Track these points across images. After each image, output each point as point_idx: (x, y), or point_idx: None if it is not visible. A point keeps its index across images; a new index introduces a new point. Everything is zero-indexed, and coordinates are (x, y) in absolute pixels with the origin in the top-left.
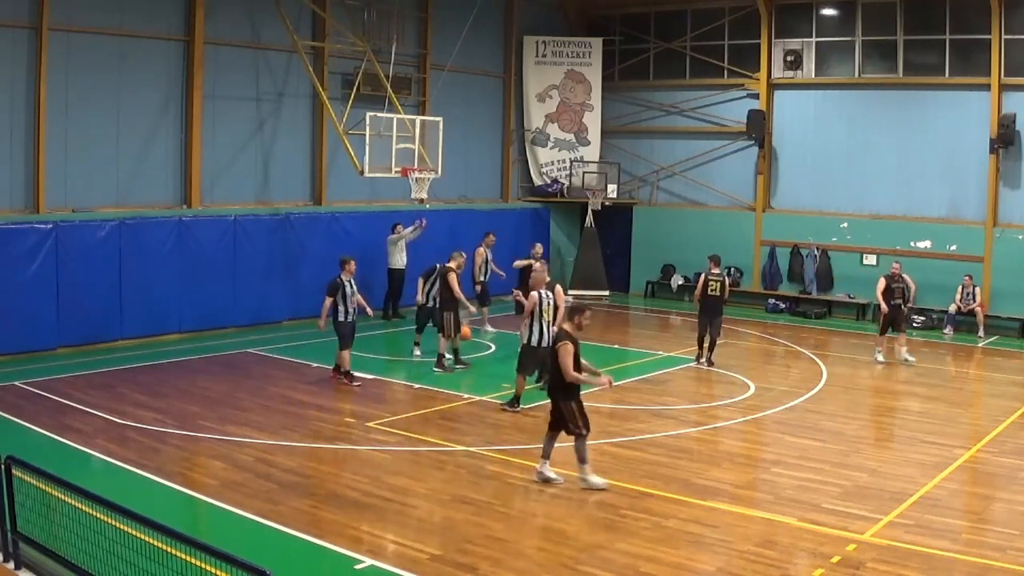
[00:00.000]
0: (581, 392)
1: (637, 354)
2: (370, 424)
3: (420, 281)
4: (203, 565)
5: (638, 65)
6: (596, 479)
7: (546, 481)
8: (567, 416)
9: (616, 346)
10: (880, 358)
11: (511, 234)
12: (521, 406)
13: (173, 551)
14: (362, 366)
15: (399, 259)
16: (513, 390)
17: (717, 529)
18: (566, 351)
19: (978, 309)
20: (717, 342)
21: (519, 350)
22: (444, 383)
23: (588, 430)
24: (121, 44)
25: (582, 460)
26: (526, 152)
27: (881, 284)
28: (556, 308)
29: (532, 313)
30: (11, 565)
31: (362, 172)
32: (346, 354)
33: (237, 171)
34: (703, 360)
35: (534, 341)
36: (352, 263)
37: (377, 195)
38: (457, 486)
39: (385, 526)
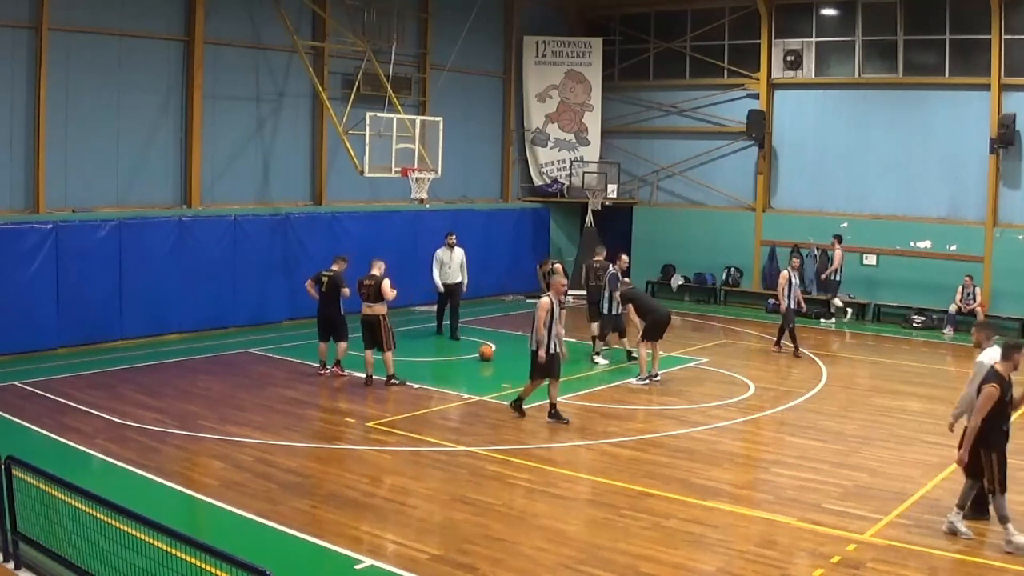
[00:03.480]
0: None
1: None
2: (370, 424)
3: (607, 291)
4: (203, 565)
5: (638, 65)
6: (1021, 539)
7: (953, 533)
8: (984, 466)
9: (616, 346)
10: None
11: (511, 234)
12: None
13: (173, 551)
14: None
15: (457, 272)
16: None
17: (717, 529)
18: (988, 395)
19: (978, 309)
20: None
21: (532, 358)
22: (444, 383)
23: (1004, 489)
24: (121, 44)
25: (1002, 519)
26: (526, 152)
27: None
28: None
29: (543, 321)
30: (11, 565)
31: (362, 172)
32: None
33: (237, 171)
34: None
35: (547, 349)
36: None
37: (377, 195)
38: (457, 486)
39: (385, 526)
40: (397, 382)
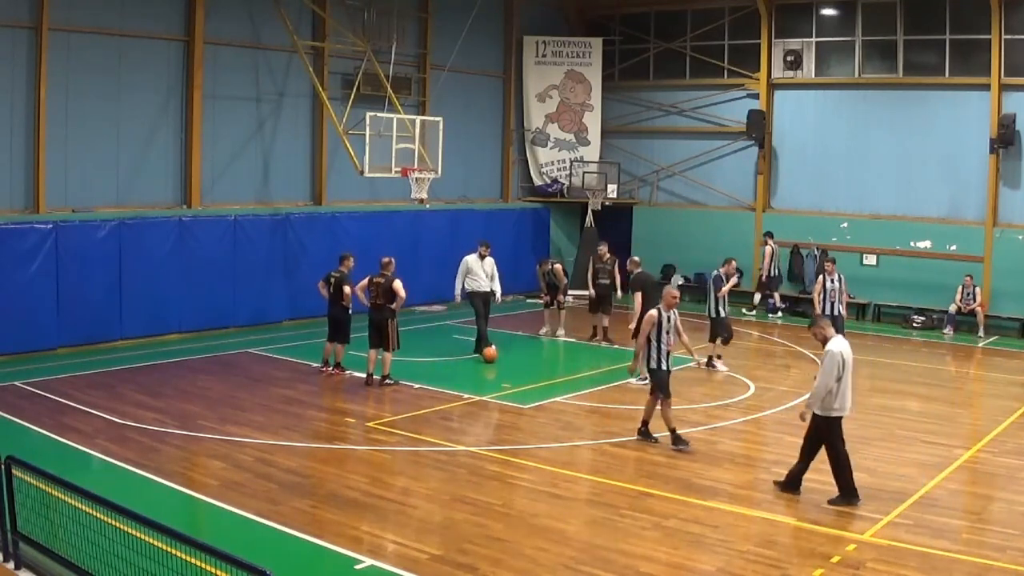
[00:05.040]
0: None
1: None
2: (370, 424)
3: (715, 292)
4: (203, 565)
5: (638, 65)
6: None
7: None
8: None
9: (617, 346)
10: None
11: (511, 234)
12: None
13: (173, 551)
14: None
15: (486, 282)
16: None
17: (717, 529)
18: None
19: (978, 309)
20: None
21: (650, 376)
22: (445, 383)
23: None
24: (121, 44)
25: None
26: (526, 152)
27: None
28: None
29: (649, 334)
30: (11, 565)
31: (362, 172)
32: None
33: (237, 171)
34: None
35: (659, 364)
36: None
37: (377, 195)
38: (457, 486)
39: (385, 526)
40: (391, 382)
